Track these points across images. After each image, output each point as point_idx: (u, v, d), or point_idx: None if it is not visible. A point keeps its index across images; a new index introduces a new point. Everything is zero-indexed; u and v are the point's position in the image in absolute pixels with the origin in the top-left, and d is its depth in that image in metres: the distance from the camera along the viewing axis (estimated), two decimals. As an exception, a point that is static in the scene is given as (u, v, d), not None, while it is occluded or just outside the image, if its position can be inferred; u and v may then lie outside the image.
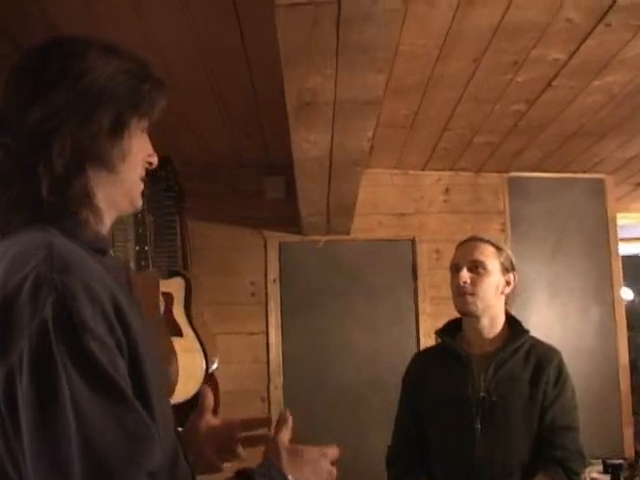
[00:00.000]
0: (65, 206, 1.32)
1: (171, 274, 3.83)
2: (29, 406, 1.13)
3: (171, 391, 3.22)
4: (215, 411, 4.01)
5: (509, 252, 2.76)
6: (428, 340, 4.55)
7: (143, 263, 3.43)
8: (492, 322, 2.73)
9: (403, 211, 4.82)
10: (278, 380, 4.69)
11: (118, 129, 1.37)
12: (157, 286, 3.35)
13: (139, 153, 1.44)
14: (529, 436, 2.59)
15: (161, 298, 3.52)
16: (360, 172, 3.37)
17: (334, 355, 4.69)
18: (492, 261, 2.70)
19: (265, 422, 1.76)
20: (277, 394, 4.67)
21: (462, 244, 2.79)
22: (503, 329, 2.74)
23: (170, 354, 3.25)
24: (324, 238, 4.68)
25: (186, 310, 3.85)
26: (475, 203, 4.86)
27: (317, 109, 2.59)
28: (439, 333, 2.84)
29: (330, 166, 3.25)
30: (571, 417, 2.63)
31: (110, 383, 1.16)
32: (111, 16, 2.68)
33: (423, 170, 4.82)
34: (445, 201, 4.85)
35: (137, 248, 3.46)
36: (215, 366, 4.09)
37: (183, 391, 3.49)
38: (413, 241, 4.76)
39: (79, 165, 1.33)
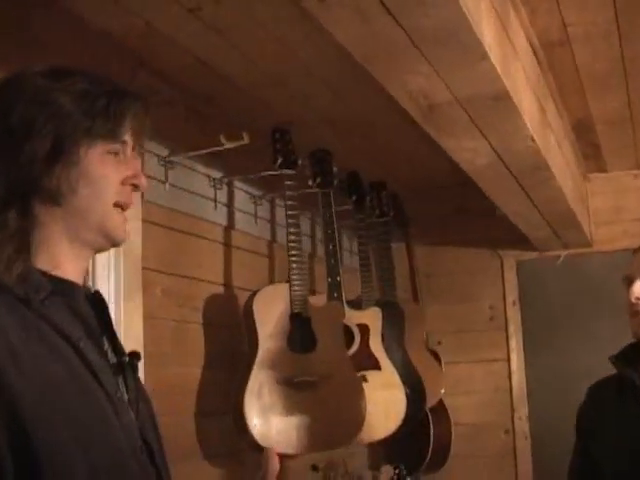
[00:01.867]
0: None
1: (381, 304, 3.66)
2: None
3: (357, 428, 3.05)
4: (447, 445, 3.78)
5: None
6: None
7: (335, 294, 3.29)
8: None
9: (650, 216, 4.23)
10: (522, 410, 4.31)
11: (58, 158, 1.27)
12: (340, 318, 3.19)
13: (104, 178, 1.32)
14: None
15: (357, 330, 3.37)
16: (550, 177, 2.98)
17: (582, 380, 4.19)
18: None
19: None
20: (522, 425, 4.30)
21: (637, 251, 2.33)
22: None
23: (357, 390, 3.08)
24: (564, 253, 4.26)
25: (398, 340, 3.67)
26: None
27: (444, 112, 2.32)
28: (614, 360, 2.38)
29: (512, 175, 2.91)
30: None
31: None
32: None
33: (670, 167, 4.21)
34: (700, 200, 4.18)
35: (329, 280, 3.33)
36: (436, 399, 3.87)
37: (382, 428, 3.33)
38: (666, 249, 4.13)
39: (11, 204, 1.25)
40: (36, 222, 1.28)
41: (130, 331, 2.68)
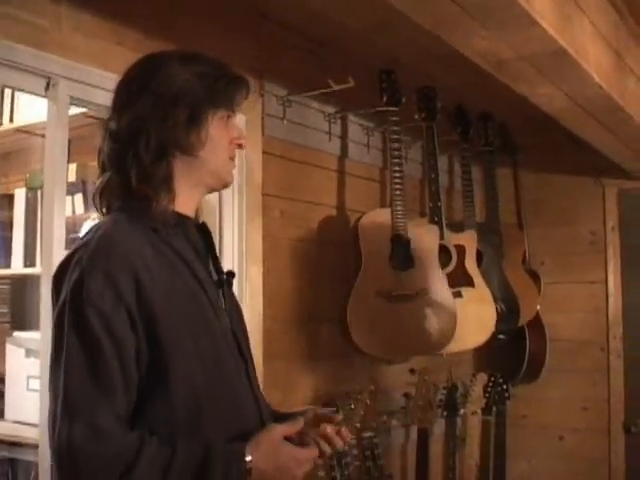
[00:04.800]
0: (144, 193, 1.69)
1: (481, 227, 4.04)
2: (52, 343, 1.60)
3: (447, 338, 3.46)
4: (542, 358, 4.10)
5: None
6: None
7: (436, 219, 3.69)
8: None
9: None
10: (617, 330, 4.59)
11: (193, 121, 1.72)
12: (435, 240, 3.58)
13: (222, 139, 1.78)
14: None
15: (454, 250, 3.75)
16: (627, 117, 3.23)
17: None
18: None
19: (331, 420, 1.86)
20: (616, 344, 4.58)
21: None
22: None
23: (448, 305, 3.49)
24: (662, 183, 4.45)
25: (496, 260, 4.04)
26: None
27: (512, 66, 2.64)
28: None
29: (590, 115, 3.19)
30: None
31: (94, 342, 1.54)
32: None
33: None
34: None
35: (430, 205, 3.73)
36: (531, 315, 4.23)
37: (473, 339, 3.72)
38: None
39: (162, 155, 1.70)
40: (174, 170, 1.74)
41: (251, 248, 3.17)
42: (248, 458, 1.59)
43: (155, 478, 1.51)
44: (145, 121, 1.69)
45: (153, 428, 1.57)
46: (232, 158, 1.83)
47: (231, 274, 1.92)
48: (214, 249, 1.90)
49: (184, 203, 1.77)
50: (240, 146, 1.84)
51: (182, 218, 1.77)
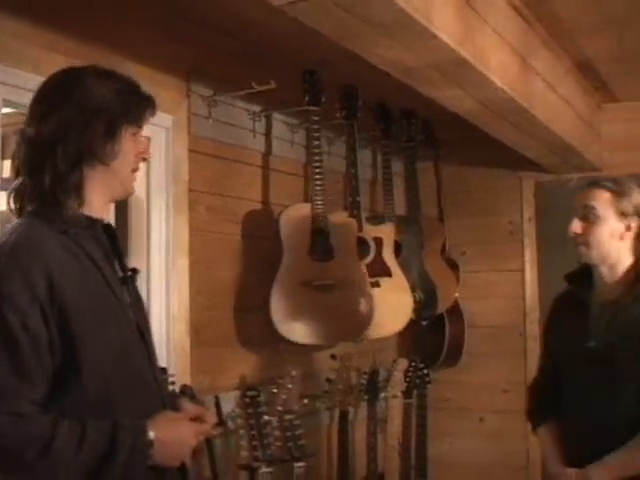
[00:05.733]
0: (56, 198, 1.83)
1: (402, 219, 4.23)
2: None
3: (365, 325, 3.65)
4: (461, 343, 4.33)
5: (636, 196, 2.65)
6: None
7: (355, 212, 3.86)
8: (611, 269, 2.63)
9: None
10: (534, 315, 4.83)
11: (110, 133, 1.88)
12: (354, 232, 3.76)
13: (130, 151, 1.95)
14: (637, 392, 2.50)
15: (372, 242, 3.93)
16: (532, 117, 3.43)
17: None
18: (604, 207, 2.61)
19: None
20: (533, 329, 4.82)
21: (582, 190, 2.71)
22: (626, 276, 2.62)
23: (366, 293, 3.67)
24: (577, 176, 4.65)
25: (415, 251, 4.24)
26: None
27: (418, 73, 2.82)
28: (568, 277, 2.80)
29: (499, 115, 3.38)
30: None
31: (11, 337, 1.70)
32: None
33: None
34: None
35: (350, 199, 3.91)
36: (450, 302, 4.43)
37: (391, 326, 3.92)
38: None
39: (77, 163, 1.85)
40: (87, 178, 1.89)
41: (178, 241, 3.31)
42: (151, 431, 1.79)
43: (69, 454, 1.69)
44: (66, 130, 1.84)
45: (66, 412, 1.74)
46: (135, 170, 2.00)
47: (134, 271, 2.09)
48: (119, 248, 2.07)
49: (96, 208, 1.93)
50: (144, 159, 2.03)
51: (92, 221, 1.93)
